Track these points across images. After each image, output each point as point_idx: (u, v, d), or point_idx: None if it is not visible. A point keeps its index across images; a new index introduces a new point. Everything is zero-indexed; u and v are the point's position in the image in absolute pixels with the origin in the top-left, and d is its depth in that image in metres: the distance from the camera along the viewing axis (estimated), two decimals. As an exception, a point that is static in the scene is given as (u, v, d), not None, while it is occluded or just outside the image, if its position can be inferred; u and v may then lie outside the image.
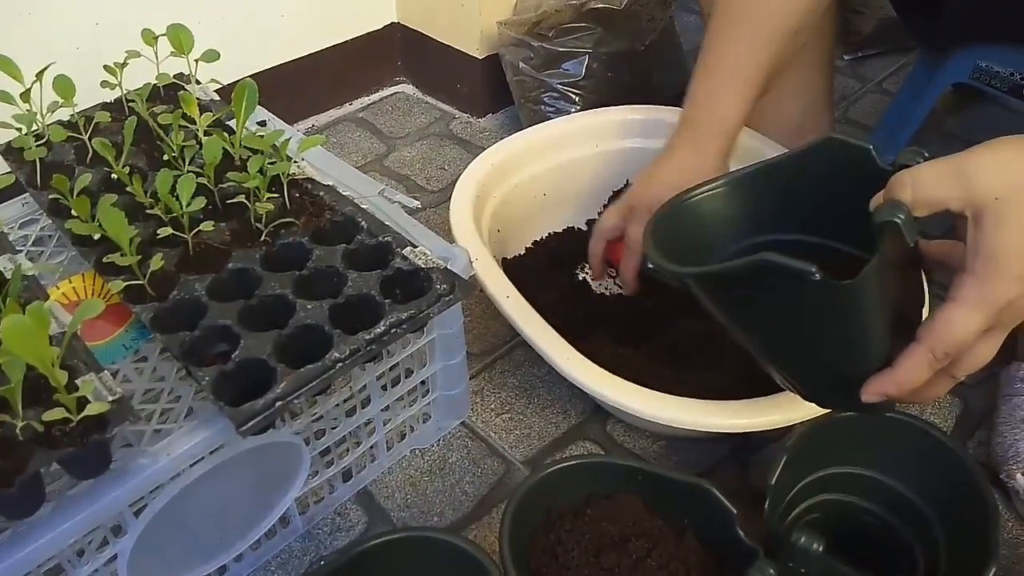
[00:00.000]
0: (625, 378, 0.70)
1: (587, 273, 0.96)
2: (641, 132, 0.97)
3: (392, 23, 1.37)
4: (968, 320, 0.49)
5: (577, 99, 1.16)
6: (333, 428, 0.70)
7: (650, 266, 0.58)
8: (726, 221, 0.63)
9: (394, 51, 1.40)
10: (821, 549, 0.55)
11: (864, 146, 0.56)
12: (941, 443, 0.65)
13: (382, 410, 0.74)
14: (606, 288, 0.96)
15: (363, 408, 0.71)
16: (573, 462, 0.64)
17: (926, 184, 0.49)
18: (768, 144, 0.91)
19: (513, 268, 0.94)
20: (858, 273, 0.48)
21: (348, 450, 0.74)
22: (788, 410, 0.67)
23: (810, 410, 0.66)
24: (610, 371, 0.70)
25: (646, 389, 0.69)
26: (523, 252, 0.98)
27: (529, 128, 0.98)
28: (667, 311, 0.87)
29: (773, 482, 0.61)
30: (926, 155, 0.51)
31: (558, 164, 0.98)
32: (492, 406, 0.87)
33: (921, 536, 0.66)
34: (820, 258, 0.49)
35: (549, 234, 1.01)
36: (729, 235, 0.63)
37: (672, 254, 0.58)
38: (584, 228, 1.02)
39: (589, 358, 0.71)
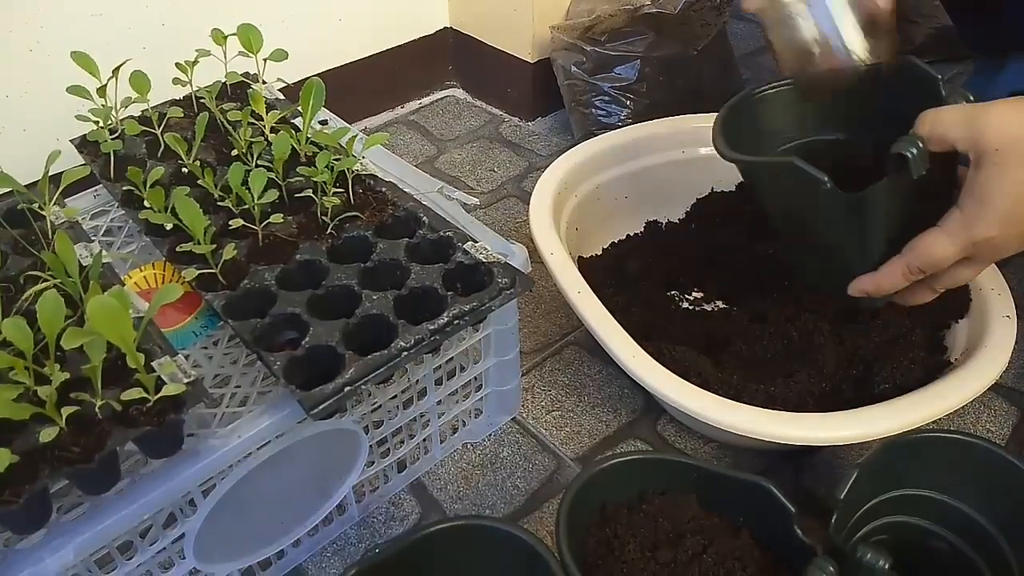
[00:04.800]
0: (691, 382, 0.70)
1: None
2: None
3: (444, 28, 1.39)
4: (944, 247, 0.58)
5: (628, 103, 1.16)
6: (390, 419, 0.72)
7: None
8: (791, 116, 0.72)
9: (445, 55, 1.42)
10: (887, 567, 0.54)
11: (935, 74, 0.62)
12: (1013, 465, 0.63)
13: (436, 403, 0.75)
14: (683, 299, 0.95)
15: (419, 400, 0.73)
16: (629, 458, 0.64)
17: (942, 123, 0.56)
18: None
19: (588, 267, 0.94)
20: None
21: (403, 441, 0.76)
22: (862, 426, 0.66)
23: (885, 428, 0.65)
24: (675, 373, 0.70)
25: (711, 394, 0.69)
26: (600, 252, 0.98)
27: (616, 130, 0.99)
28: (740, 320, 0.86)
29: (843, 497, 0.60)
30: (971, 98, 0.58)
31: (642, 167, 0.98)
32: (542, 403, 0.88)
33: (992, 563, 0.64)
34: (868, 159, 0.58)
35: (628, 236, 1.01)
36: (792, 129, 0.72)
37: (735, 141, 0.66)
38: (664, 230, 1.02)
39: (655, 358, 0.71)
